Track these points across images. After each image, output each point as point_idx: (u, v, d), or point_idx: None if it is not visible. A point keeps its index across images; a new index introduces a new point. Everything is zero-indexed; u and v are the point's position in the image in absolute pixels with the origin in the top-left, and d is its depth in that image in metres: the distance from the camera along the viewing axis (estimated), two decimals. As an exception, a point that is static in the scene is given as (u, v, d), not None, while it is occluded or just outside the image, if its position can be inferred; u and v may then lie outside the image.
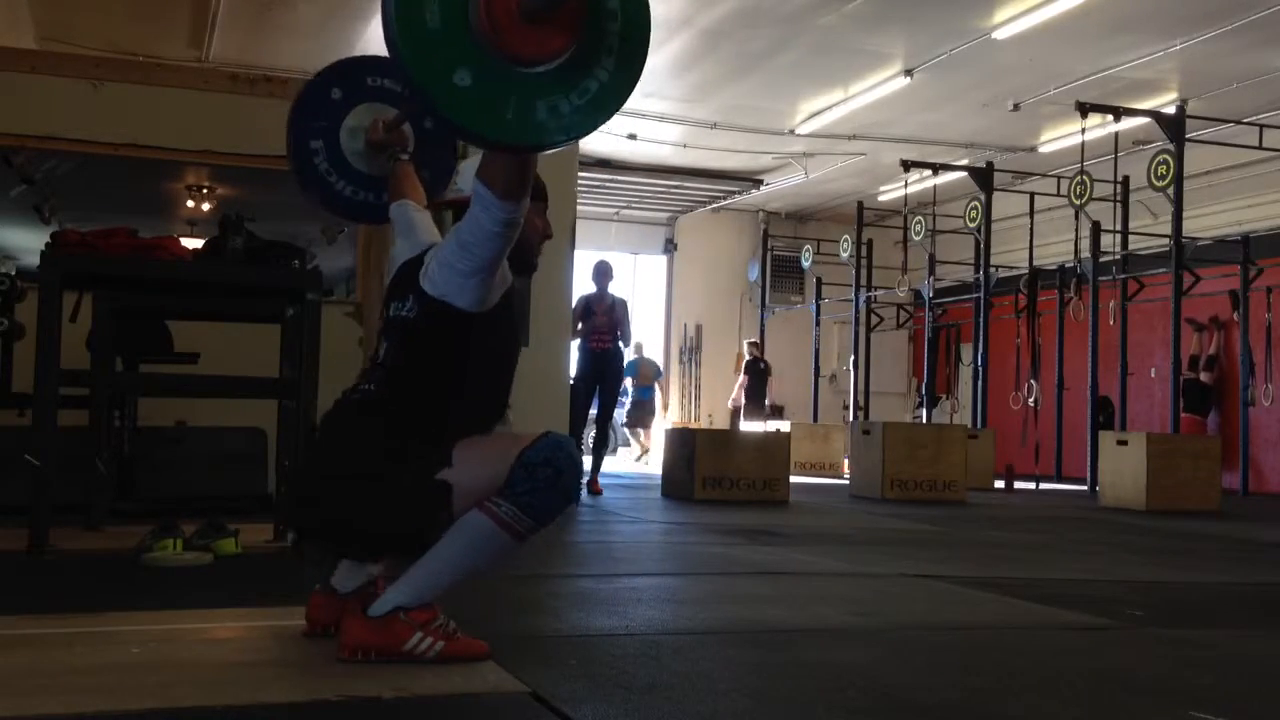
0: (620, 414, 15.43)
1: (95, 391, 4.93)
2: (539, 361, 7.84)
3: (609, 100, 2.16)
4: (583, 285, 8.81)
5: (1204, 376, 13.92)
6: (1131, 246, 12.90)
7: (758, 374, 17.01)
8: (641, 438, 16.37)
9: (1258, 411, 12.86)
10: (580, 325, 8.64)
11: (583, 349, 8.68)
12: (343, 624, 2.47)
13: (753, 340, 17.50)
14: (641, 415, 16.39)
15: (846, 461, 11.61)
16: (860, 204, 16.06)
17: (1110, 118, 11.76)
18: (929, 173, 14.19)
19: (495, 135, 2.14)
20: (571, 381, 8.21)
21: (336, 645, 2.44)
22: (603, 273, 8.94)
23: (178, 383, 5.58)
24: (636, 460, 15.85)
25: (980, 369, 13.76)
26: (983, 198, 13.64)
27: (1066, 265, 13.30)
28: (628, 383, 15.04)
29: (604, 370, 8.77)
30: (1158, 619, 3.51)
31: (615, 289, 9.06)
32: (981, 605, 3.71)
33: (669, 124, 14.22)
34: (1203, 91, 12.10)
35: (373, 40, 10.10)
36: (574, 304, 8.40)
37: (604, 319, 8.74)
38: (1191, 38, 10.68)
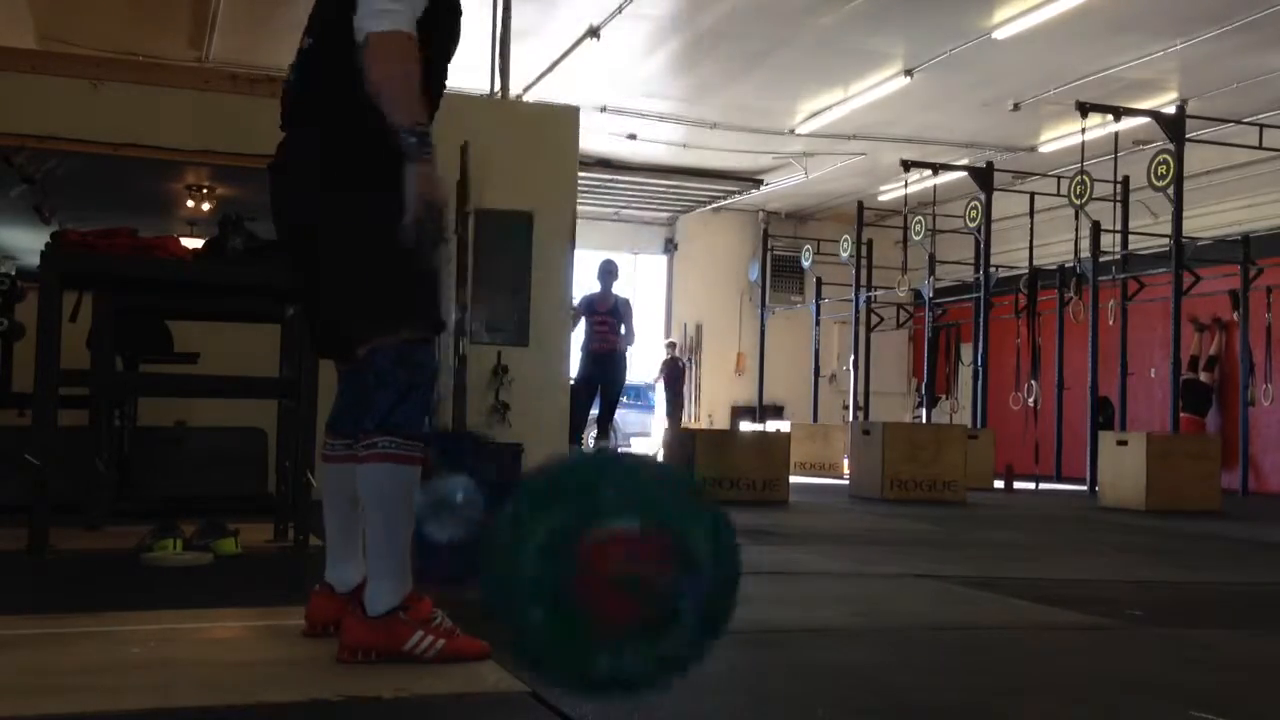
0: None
1: (95, 391, 4.93)
2: (539, 362, 7.84)
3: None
4: (582, 285, 8.81)
5: (1204, 376, 13.90)
6: (1131, 246, 12.89)
7: (676, 375, 16.93)
8: None
9: (1258, 411, 12.85)
10: (581, 324, 8.61)
11: (584, 350, 8.67)
12: (343, 624, 2.47)
13: (671, 340, 17.53)
14: None
15: (846, 461, 11.60)
16: (860, 204, 16.04)
17: (1110, 118, 11.75)
18: (929, 173, 14.18)
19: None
20: (572, 382, 8.21)
21: (336, 645, 2.44)
22: (608, 272, 8.93)
23: (178, 383, 5.58)
24: None
25: (980, 369, 13.74)
26: (983, 198, 13.62)
27: (1066, 265, 13.29)
28: None
29: (605, 371, 8.76)
30: (1158, 619, 3.50)
31: (616, 288, 9.06)
32: (982, 605, 3.71)
33: (669, 124, 14.21)
34: (1203, 91, 12.10)
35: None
36: (576, 303, 8.39)
37: (605, 319, 8.73)
38: (1191, 38, 10.68)
